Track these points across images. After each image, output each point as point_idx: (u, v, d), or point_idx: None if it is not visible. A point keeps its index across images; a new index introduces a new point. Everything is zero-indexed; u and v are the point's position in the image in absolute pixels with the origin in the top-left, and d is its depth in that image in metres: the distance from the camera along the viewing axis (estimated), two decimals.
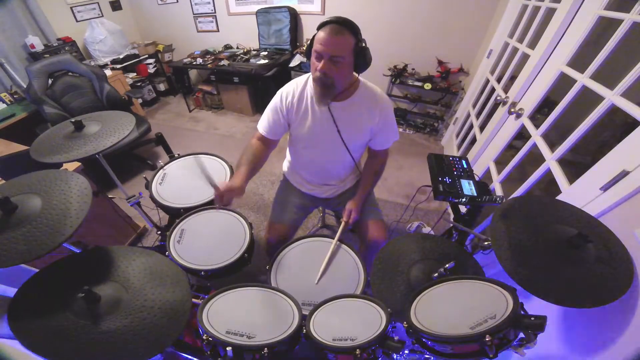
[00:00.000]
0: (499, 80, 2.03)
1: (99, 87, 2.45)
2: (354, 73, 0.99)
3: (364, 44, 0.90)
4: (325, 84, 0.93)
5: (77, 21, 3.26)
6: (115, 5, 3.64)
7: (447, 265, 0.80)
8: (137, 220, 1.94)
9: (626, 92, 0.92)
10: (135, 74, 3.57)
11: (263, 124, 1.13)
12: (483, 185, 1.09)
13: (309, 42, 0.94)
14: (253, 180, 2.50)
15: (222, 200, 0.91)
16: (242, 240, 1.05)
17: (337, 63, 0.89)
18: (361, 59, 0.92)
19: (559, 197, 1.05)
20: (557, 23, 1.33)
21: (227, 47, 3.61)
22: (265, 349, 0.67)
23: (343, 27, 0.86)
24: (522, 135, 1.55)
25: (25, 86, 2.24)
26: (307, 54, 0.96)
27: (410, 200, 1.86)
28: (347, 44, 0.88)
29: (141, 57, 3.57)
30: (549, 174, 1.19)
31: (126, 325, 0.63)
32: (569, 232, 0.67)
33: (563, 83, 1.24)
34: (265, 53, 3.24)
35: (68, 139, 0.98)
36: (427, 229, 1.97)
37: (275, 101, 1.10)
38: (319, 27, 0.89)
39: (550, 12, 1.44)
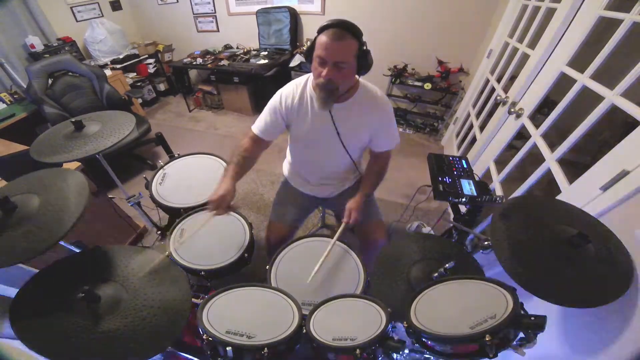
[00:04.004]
0: (499, 80, 2.03)
1: (99, 87, 2.45)
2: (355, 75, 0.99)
3: (365, 47, 0.89)
4: (329, 90, 0.91)
5: (77, 21, 3.26)
6: (115, 5, 3.64)
7: (447, 265, 0.80)
8: (137, 220, 1.94)
9: (626, 92, 0.92)
10: (135, 74, 3.56)
11: (259, 124, 1.12)
12: (483, 185, 1.09)
13: (309, 43, 0.93)
14: (253, 181, 2.51)
15: (218, 209, 0.93)
16: (242, 240, 1.05)
17: (341, 69, 0.87)
18: (364, 62, 0.90)
19: (559, 197, 1.05)
20: (557, 23, 1.33)
21: (227, 47, 3.61)
22: (265, 349, 0.67)
23: (346, 31, 0.84)
24: (522, 135, 1.55)
25: (25, 86, 2.24)
26: (308, 56, 0.95)
27: (410, 200, 1.86)
28: (351, 49, 0.86)
29: (141, 57, 3.57)
30: (549, 174, 1.19)
31: (126, 325, 0.63)
32: (569, 232, 0.67)
33: (563, 83, 1.24)
34: (265, 53, 3.25)
35: (68, 139, 0.98)
36: (427, 229, 1.97)
37: (274, 102, 1.09)
38: (320, 30, 0.87)
39: (550, 12, 1.44)
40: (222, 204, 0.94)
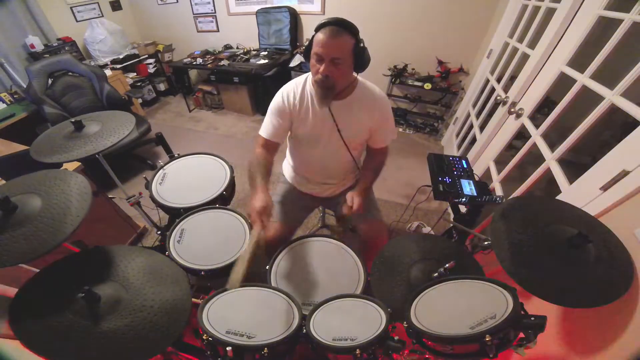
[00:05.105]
0: (499, 80, 2.03)
1: (99, 87, 2.45)
2: (353, 72, 0.99)
3: (362, 44, 0.91)
4: (327, 86, 0.93)
5: (77, 21, 3.26)
6: (115, 5, 3.64)
7: (447, 265, 0.80)
8: (137, 220, 1.94)
9: (626, 92, 0.92)
10: (135, 74, 3.57)
11: (267, 128, 1.11)
12: (483, 185, 1.09)
13: (307, 42, 0.94)
14: None
15: (262, 222, 0.89)
16: (242, 240, 1.05)
17: (338, 65, 0.89)
18: (360, 59, 0.92)
19: (559, 197, 1.05)
20: (557, 23, 1.33)
21: (227, 47, 3.61)
22: (266, 348, 0.67)
23: (342, 28, 0.86)
24: (522, 135, 1.55)
25: (25, 86, 2.24)
26: (306, 55, 0.97)
27: (410, 200, 1.85)
28: (347, 46, 0.88)
29: (141, 57, 3.57)
30: (549, 173, 1.19)
31: (126, 325, 0.63)
32: (569, 232, 0.67)
33: (563, 83, 1.24)
34: (265, 53, 3.24)
35: (68, 139, 0.98)
36: (427, 229, 1.97)
37: (277, 102, 1.09)
38: (317, 29, 0.89)
39: (550, 12, 1.44)
40: (263, 215, 0.91)
